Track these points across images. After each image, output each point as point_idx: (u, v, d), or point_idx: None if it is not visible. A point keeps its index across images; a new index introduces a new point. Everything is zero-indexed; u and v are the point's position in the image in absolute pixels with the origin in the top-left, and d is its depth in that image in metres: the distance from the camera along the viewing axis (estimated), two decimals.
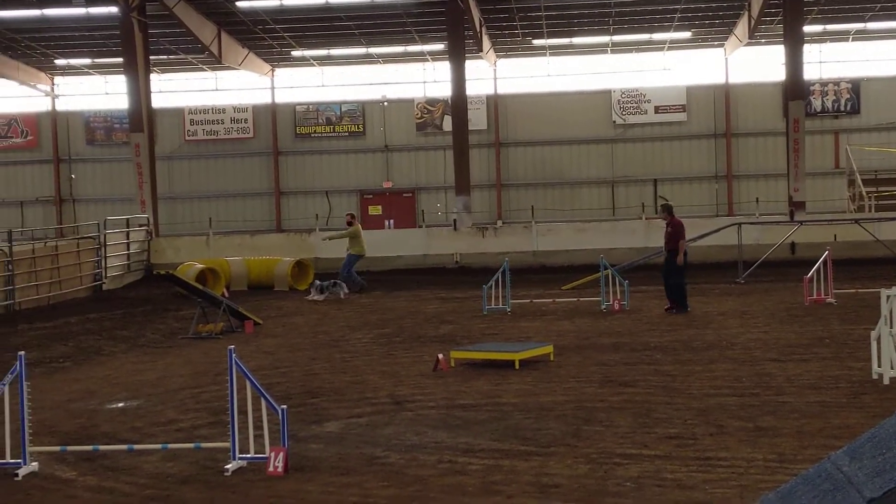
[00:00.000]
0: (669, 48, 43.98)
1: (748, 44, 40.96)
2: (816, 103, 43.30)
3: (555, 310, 22.45)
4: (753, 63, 43.98)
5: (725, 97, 43.84)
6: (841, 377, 13.30)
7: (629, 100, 44.14)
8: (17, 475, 9.69)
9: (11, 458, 9.84)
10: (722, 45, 43.88)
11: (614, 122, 44.32)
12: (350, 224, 29.26)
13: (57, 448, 10.50)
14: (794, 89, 35.31)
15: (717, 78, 44.31)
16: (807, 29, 37.76)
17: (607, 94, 44.41)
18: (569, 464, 9.42)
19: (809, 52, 40.45)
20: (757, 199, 39.64)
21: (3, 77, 44.85)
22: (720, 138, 43.97)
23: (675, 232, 20.91)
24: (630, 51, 44.39)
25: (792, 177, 35.12)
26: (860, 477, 3.69)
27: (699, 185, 44.18)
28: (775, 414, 11.22)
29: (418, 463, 9.68)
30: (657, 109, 44.05)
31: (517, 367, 14.68)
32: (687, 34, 42.06)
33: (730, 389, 12.76)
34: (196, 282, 27.38)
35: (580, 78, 45.18)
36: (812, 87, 42.84)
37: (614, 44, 43.29)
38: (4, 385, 9.82)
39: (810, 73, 41.17)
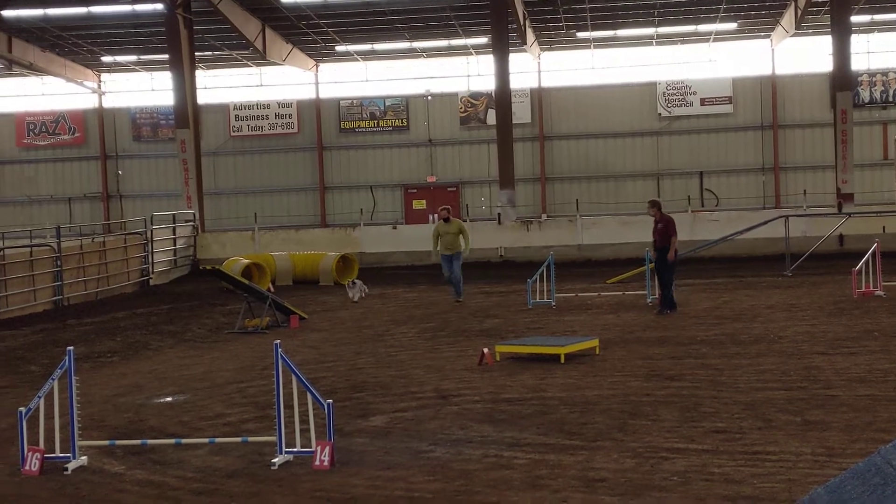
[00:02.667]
0: (715, 40, 43.69)
1: (795, 34, 40.61)
2: (864, 94, 42.88)
3: (600, 304, 22.36)
4: (800, 54, 43.62)
5: (772, 88, 43.49)
6: (890, 370, 13.15)
7: (674, 92, 43.89)
8: (66, 469, 9.77)
9: (61, 452, 9.93)
10: (768, 36, 43.52)
11: (659, 114, 44.11)
12: (447, 220, 24.15)
13: (105, 442, 10.58)
14: (842, 80, 34.93)
15: (763, 69, 43.97)
16: (854, 19, 37.35)
17: (652, 86, 44.20)
18: (615, 458, 9.37)
19: (857, 42, 40.07)
20: (804, 191, 39.28)
21: (50, 74, 45.32)
22: (767, 130, 43.62)
23: (665, 228, 20.61)
24: (675, 43, 44.15)
25: (840, 168, 34.75)
26: None
27: (746, 178, 43.87)
28: (824, 408, 11.11)
29: (464, 457, 9.66)
30: (703, 101, 43.78)
31: (563, 360, 14.64)
32: (733, 25, 41.74)
33: (777, 383, 12.65)
34: (242, 277, 27.60)
35: (625, 70, 45.01)
36: (860, 78, 42.44)
37: (659, 36, 43.05)
38: (54, 380, 9.91)
39: (858, 63, 40.77)
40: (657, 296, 21.78)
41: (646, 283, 22.31)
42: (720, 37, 43.43)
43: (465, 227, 24.34)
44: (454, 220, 24.34)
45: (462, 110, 45.21)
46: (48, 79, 46.85)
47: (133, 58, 45.24)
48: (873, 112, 43.10)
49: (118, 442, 10.55)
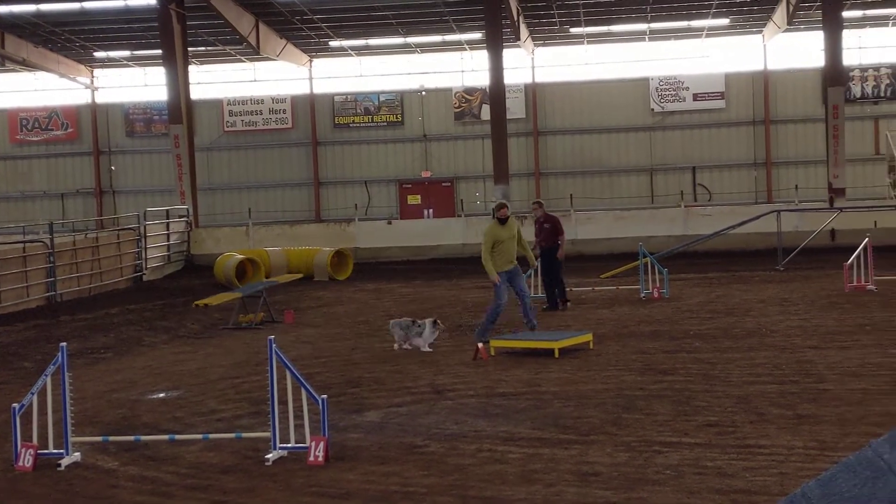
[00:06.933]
0: (707, 35, 43.72)
1: (787, 30, 40.64)
2: (856, 89, 42.92)
3: (594, 298, 22.38)
4: (792, 49, 43.64)
5: (764, 84, 43.52)
6: (882, 364, 13.19)
7: (667, 87, 43.91)
8: (59, 465, 9.78)
9: (54, 449, 9.93)
10: (760, 32, 43.55)
11: (652, 109, 44.13)
12: (503, 220, 16.84)
13: (99, 438, 10.59)
14: (834, 75, 35.03)
15: (755, 65, 43.99)
16: (846, 14, 37.43)
17: (645, 81, 44.21)
18: (609, 452, 9.40)
19: (849, 37, 40.04)
20: (796, 185, 39.36)
21: (43, 70, 45.23)
22: (759, 125, 43.66)
23: (554, 228, 20.99)
24: (668, 38, 44.17)
25: (831, 163, 34.83)
26: None
27: (738, 173, 43.92)
28: (816, 401, 11.14)
29: (458, 452, 9.69)
30: (695, 97, 43.81)
31: (557, 355, 14.67)
32: (725, 21, 41.77)
33: (770, 377, 12.69)
34: (235, 272, 27.75)
35: (618, 66, 45.01)
36: (852, 73, 42.48)
37: (652, 31, 43.07)
38: (47, 376, 9.91)
39: (850, 58, 40.81)
40: (652, 289, 21.82)
41: (639, 277, 22.34)
42: (713, 32, 43.45)
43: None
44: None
45: (456, 105, 45.20)
46: (41, 74, 46.74)
47: (126, 53, 45.17)
48: (865, 107, 43.14)
49: (112, 438, 10.56)
